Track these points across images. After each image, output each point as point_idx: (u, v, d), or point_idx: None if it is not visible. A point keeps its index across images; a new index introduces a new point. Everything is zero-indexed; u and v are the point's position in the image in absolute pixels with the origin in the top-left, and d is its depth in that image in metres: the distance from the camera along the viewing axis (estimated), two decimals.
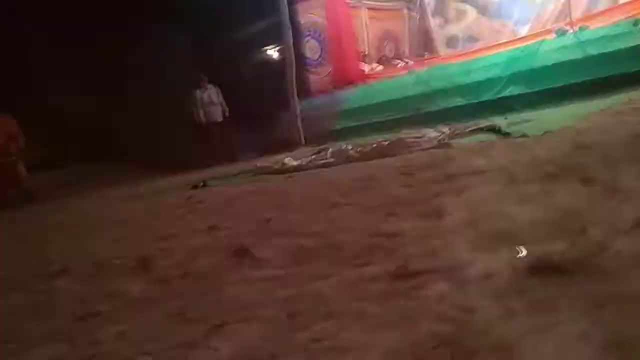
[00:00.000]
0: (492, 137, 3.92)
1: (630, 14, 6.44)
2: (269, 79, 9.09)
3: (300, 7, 8.93)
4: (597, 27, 6.54)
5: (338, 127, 7.74)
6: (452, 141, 4.06)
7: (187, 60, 9.14)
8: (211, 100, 8.12)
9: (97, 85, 9.05)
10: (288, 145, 7.58)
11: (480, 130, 4.33)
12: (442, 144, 4.01)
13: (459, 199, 1.91)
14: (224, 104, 8.23)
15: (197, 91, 8.11)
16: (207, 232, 2.26)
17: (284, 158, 5.21)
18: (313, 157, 5.18)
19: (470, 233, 1.41)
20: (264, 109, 8.36)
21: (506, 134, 3.70)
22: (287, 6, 7.97)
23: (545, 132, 3.37)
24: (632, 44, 5.60)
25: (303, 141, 7.86)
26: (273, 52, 10.50)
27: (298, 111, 7.99)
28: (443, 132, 4.47)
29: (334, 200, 2.43)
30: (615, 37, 5.90)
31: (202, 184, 4.83)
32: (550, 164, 2.15)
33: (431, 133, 4.54)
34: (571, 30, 6.59)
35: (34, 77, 9.02)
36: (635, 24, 5.80)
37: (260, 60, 10.66)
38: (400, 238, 1.54)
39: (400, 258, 1.34)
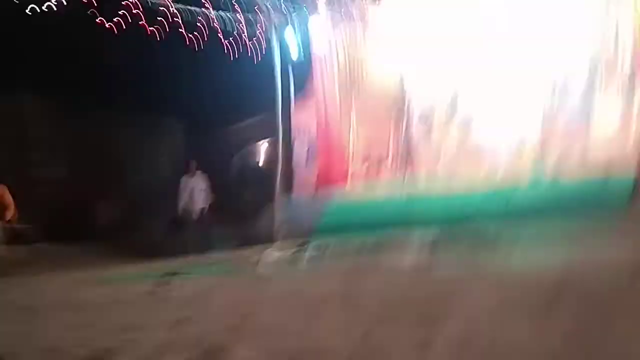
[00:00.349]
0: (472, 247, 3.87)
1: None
2: (256, 173, 9.17)
3: (294, 107, 9.25)
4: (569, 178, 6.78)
5: (319, 225, 7.66)
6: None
7: (177, 146, 9.23)
8: (197, 187, 8.06)
9: (80, 161, 8.97)
10: (267, 239, 7.42)
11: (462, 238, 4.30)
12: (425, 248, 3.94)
13: (449, 309, 1.79)
14: (208, 191, 8.16)
15: (184, 176, 8.08)
16: (175, 325, 2.06)
17: (264, 252, 5.05)
18: (292, 253, 5.05)
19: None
20: (247, 201, 8.32)
21: (490, 245, 3.65)
22: (280, 104, 8.25)
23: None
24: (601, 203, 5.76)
25: (283, 237, 7.71)
26: (262, 147, 10.71)
27: (280, 207, 7.93)
28: (426, 236, 4.42)
29: (317, 299, 2.28)
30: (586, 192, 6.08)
31: (173, 272, 4.60)
32: (539, 297, 2.06)
33: (414, 235, 4.49)
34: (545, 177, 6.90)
35: (20, 147, 8.94)
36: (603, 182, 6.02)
37: (248, 153, 10.84)
38: (393, 349, 1.40)
39: None
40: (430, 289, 2.20)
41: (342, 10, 8.56)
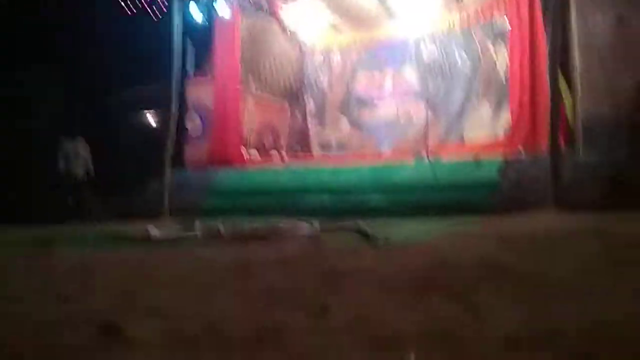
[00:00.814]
0: (356, 238, 4.20)
1: (473, 152, 7.65)
2: (145, 143, 8.76)
3: (190, 81, 8.99)
4: (448, 157, 7.62)
5: (208, 203, 7.60)
6: (322, 236, 4.26)
7: (57, 108, 8.46)
8: (77, 153, 7.49)
9: None
10: (152, 213, 7.18)
11: (346, 229, 4.62)
12: (313, 238, 4.17)
13: (339, 297, 1.99)
14: (89, 161, 7.63)
15: (65, 141, 7.46)
16: (61, 303, 2.00)
17: (147, 226, 4.90)
18: (179, 230, 4.97)
19: (357, 335, 1.48)
20: (132, 173, 7.93)
21: (371, 239, 3.99)
22: (178, 77, 7.99)
23: (406, 243, 3.72)
24: (473, 178, 6.59)
25: (168, 212, 7.53)
26: (154, 119, 10.24)
27: (168, 181, 7.72)
28: (314, 226, 4.66)
29: (209, 281, 2.35)
30: (461, 169, 6.92)
31: (50, 241, 4.31)
32: (419, 277, 2.37)
33: (301, 224, 4.70)
34: (427, 157, 7.57)
35: None
36: (476, 161, 6.90)
37: (139, 124, 10.28)
38: (287, 333, 1.54)
39: (289, 356, 1.34)
40: (318, 279, 2.38)
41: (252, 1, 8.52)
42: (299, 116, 9.24)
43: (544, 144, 6.58)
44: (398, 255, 3.21)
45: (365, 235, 4.18)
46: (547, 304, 1.80)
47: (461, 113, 9.28)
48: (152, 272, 2.78)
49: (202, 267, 2.86)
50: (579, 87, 6.56)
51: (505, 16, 8.37)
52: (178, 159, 8.27)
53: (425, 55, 9.71)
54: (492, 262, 2.78)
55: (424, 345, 1.37)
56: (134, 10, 7.57)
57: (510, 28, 7.79)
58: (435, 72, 9.34)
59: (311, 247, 3.62)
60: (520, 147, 7.05)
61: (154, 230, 4.64)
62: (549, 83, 6.15)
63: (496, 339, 1.37)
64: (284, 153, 10.25)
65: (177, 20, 7.98)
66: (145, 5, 7.70)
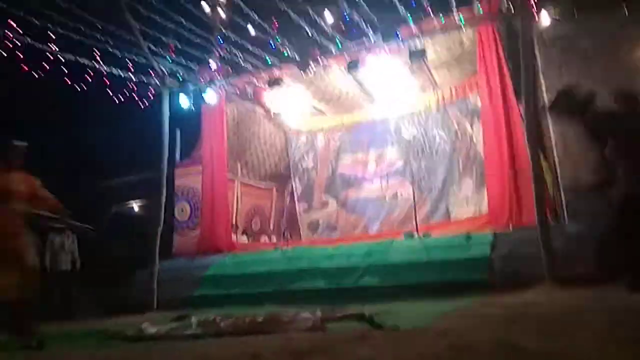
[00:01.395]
0: (361, 325, 4.11)
1: (461, 230, 7.75)
2: (132, 233, 8.66)
3: (177, 171, 9.12)
4: (437, 235, 7.69)
5: (197, 293, 7.40)
6: (327, 324, 4.15)
7: None
8: (63, 246, 7.35)
9: None
10: (139, 307, 6.94)
11: (350, 317, 4.52)
12: (316, 327, 4.07)
13: None
14: (76, 253, 7.49)
15: (51, 233, 7.35)
16: None
17: (142, 323, 4.73)
18: (173, 325, 4.79)
19: None
20: (118, 265, 7.76)
21: (378, 325, 3.91)
22: (166, 166, 8.09)
23: (414, 328, 3.66)
24: (465, 255, 6.62)
25: (156, 305, 7.29)
26: (140, 207, 10.20)
27: (156, 271, 7.55)
28: (315, 315, 4.56)
29: None
30: (453, 247, 6.97)
31: (36, 343, 4.09)
32: None
33: (304, 314, 4.59)
34: (417, 235, 7.63)
35: None
36: (467, 239, 6.98)
37: (124, 213, 10.22)
38: None
39: None
40: None
41: (237, 88, 8.92)
42: (287, 199, 9.35)
43: (530, 218, 6.71)
44: (408, 340, 3.16)
45: (370, 322, 4.10)
46: None
47: (445, 190, 9.53)
48: None
49: None
50: (556, 159, 6.87)
51: (479, 94, 8.87)
52: (167, 248, 8.17)
53: (406, 136, 10.13)
54: (505, 343, 2.76)
55: None
56: (122, 99, 7.79)
57: (482, 106, 8.25)
58: (417, 151, 9.71)
59: (318, 337, 3.53)
60: (507, 222, 7.18)
61: (149, 328, 4.48)
62: (529, 157, 6.36)
63: None
64: (273, 237, 10.22)
65: (165, 109, 8.23)
66: (134, 94, 7.94)
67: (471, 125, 9.47)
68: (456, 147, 9.62)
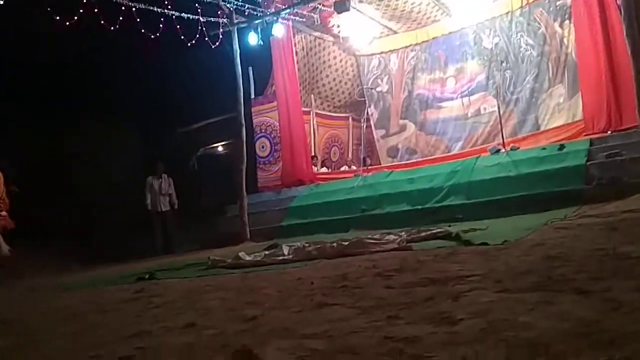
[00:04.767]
0: (449, 244, 4.06)
1: (552, 140, 7.26)
2: (219, 172, 9.11)
3: (254, 108, 9.27)
4: (526, 148, 7.27)
5: (285, 224, 7.72)
6: (412, 245, 4.16)
7: (134, 150, 8.99)
8: (161, 190, 7.95)
9: (34, 168, 8.57)
10: (233, 240, 7.41)
11: (436, 236, 4.48)
12: (403, 247, 4.08)
13: (458, 304, 1.91)
14: (174, 195, 8.07)
15: (149, 177, 7.95)
16: (186, 330, 2.07)
17: (238, 252, 5.03)
18: (266, 253, 5.05)
19: (492, 344, 1.40)
20: (211, 202, 8.25)
21: (466, 242, 3.84)
22: (242, 105, 8.24)
23: (504, 242, 3.55)
24: (558, 166, 6.23)
25: (249, 236, 7.73)
26: (225, 148, 10.63)
27: (245, 206, 7.93)
28: (400, 236, 4.57)
29: (319, 300, 2.34)
30: (543, 158, 6.57)
31: (147, 275, 4.52)
32: (533, 274, 2.24)
33: (388, 236, 4.63)
34: (504, 150, 7.26)
35: None
36: (560, 148, 6.53)
37: (211, 153, 10.72)
38: (421, 344, 1.49)
39: None
40: (429, 289, 2.31)
41: (305, 18, 8.68)
42: (363, 126, 9.23)
43: (632, 120, 6.13)
44: (500, 254, 3.07)
45: (458, 239, 4.04)
46: None
47: (534, 100, 8.87)
48: (259, 294, 2.82)
49: (303, 286, 2.86)
50: None
51: None
52: (253, 184, 8.51)
53: (487, 46, 9.41)
54: (606, 251, 2.59)
55: (569, 348, 1.26)
56: (193, 42, 7.90)
57: (574, 2, 7.36)
58: (500, 62, 9.01)
59: (405, 256, 3.55)
60: (606, 127, 6.60)
61: (245, 257, 4.75)
62: (629, 52, 5.69)
63: None
64: (353, 166, 10.25)
65: (236, 47, 8.26)
66: (204, 36, 8.01)
67: (560, 26, 8.56)
68: (544, 51, 8.80)
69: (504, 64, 8.98)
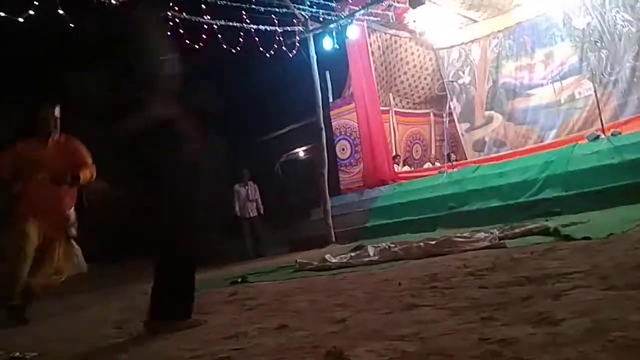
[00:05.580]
0: (546, 239, 3.81)
1: None
2: (302, 176, 9.30)
3: (332, 112, 9.37)
4: (628, 132, 6.66)
5: (369, 225, 7.69)
6: (505, 242, 3.96)
7: (223, 157, 9.41)
8: (248, 196, 8.30)
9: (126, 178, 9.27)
10: (319, 242, 7.52)
11: (532, 232, 4.23)
12: (495, 245, 3.90)
13: (559, 303, 1.78)
14: (259, 201, 8.39)
15: (237, 185, 8.35)
16: (278, 331, 2.13)
17: (325, 255, 5.09)
18: (352, 254, 5.06)
19: (599, 345, 1.28)
20: (295, 206, 8.45)
21: (566, 237, 3.58)
22: (322, 109, 8.36)
23: (609, 235, 3.26)
24: None
25: (334, 238, 7.80)
26: (306, 152, 10.85)
27: (329, 208, 8.02)
28: (492, 233, 4.37)
29: (408, 301, 2.30)
30: None
31: (240, 279, 4.72)
32: None
33: (479, 234, 4.44)
34: (603, 136, 6.70)
35: None
36: None
37: (293, 159, 11.00)
38: (519, 346, 1.41)
39: None
40: (527, 287, 2.18)
41: (379, 17, 8.63)
42: (446, 120, 8.96)
43: None
44: (603, 250, 2.82)
45: (556, 234, 3.78)
46: None
47: (635, 80, 8.09)
48: (348, 296, 2.83)
49: (392, 287, 2.83)
50: None
51: None
52: (335, 186, 8.60)
53: (578, 26, 8.74)
54: None
55: None
56: (272, 53, 8.15)
57: None
58: (594, 42, 8.32)
59: (498, 254, 3.38)
60: None
61: (331, 259, 4.80)
62: None
63: None
64: (437, 163, 9.99)
65: (312, 53, 8.40)
66: (282, 46, 8.23)
67: None
68: None
69: (598, 44, 8.27)
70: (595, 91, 7.36)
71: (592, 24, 8.59)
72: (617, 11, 8.29)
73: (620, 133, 6.64)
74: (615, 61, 8.34)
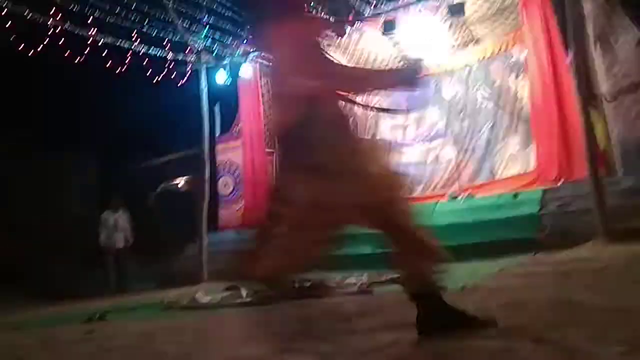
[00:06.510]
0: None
1: (507, 189, 7.54)
2: (179, 208, 8.94)
3: (219, 146, 9.25)
4: (481, 196, 7.52)
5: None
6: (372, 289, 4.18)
7: (90, 184, 8.75)
8: (117, 225, 7.69)
9: None
10: (190, 279, 7.20)
11: (394, 280, 4.51)
12: (363, 291, 4.10)
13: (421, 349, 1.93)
14: (129, 231, 7.81)
15: (106, 212, 7.70)
16: None
17: (195, 294, 4.90)
18: (224, 294, 4.94)
19: None
20: (169, 239, 8.06)
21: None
22: (208, 142, 8.22)
23: (463, 287, 3.61)
24: (512, 214, 6.45)
25: (206, 276, 7.53)
26: (187, 183, 10.48)
27: (205, 244, 7.77)
28: (362, 279, 4.59)
29: (280, 345, 2.31)
30: (499, 206, 6.80)
31: (98, 315, 4.32)
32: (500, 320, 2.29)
33: (350, 279, 4.63)
34: (461, 196, 7.49)
35: None
36: (514, 197, 6.80)
37: (172, 189, 10.54)
38: None
39: None
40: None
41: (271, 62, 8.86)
42: None
43: (580, 172, 6.44)
44: (456, 300, 3.12)
45: None
46: None
47: (489, 150, 9.23)
48: (216, 339, 2.74)
49: (264, 330, 2.81)
50: (609, 112, 6.52)
51: (523, 48, 8.43)
52: (213, 222, 8.38)
53: (446, 96, 9.80)
54: (560, 299, 2.68)
55: None
56: (160, 79, 7.92)
57: (528, 59, 7.81)
58: (458, 111, 9.39)
59: (365, 301, 3.55)
60: (557, 178, 6.93)
61: (202, 298, 4.63)
62: (579, 108, 6.04)
63: None
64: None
65: (203, 85, 8.31)
66: (172, 73, 8.05)
67: (515, 80, 9.07)
68: (500, 103, 9.24)
69: (461, 114, 9.37)
70: (456, 155, 8.25)
71: (457, 95, 9.70)
72: (478, 88, 9.49)
73: (474, 196, 7.47)
74: (475, 131, 9.46)
